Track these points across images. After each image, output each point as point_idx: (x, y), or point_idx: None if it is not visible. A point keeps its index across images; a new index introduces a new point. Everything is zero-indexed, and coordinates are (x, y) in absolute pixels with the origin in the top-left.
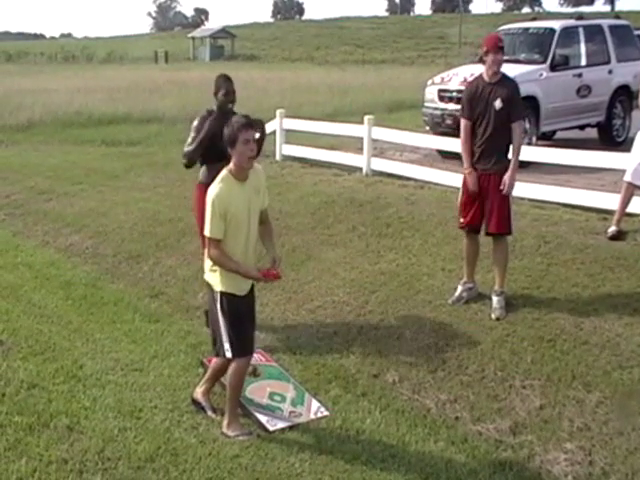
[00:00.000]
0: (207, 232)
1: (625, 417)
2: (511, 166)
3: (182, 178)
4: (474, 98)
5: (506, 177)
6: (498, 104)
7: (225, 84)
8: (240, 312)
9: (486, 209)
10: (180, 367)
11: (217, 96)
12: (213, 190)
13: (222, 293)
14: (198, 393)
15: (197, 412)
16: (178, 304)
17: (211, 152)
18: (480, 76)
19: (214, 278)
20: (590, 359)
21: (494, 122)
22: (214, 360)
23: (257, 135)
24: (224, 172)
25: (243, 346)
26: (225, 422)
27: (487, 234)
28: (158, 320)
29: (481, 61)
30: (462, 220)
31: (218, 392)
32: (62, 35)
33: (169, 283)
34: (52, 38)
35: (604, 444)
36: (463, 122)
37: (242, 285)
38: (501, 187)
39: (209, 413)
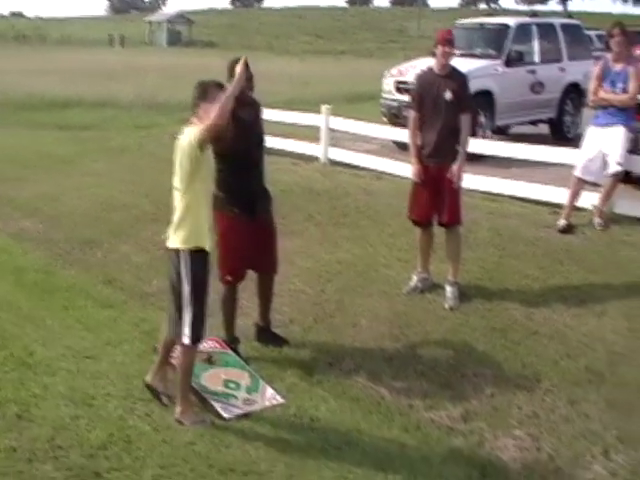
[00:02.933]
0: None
1: (571, 404)
2: (460, 157)
3: (137, 164)
4: (424, 90)
5: (454, 168)
6: (448, 96)
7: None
8: (207, 282)
9: (439, 201)
10: (134, 354)
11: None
12: None
13: (191, 251)
14: (154, 378)
15: (151, 400)
16: (132, 291)
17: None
18: (430, 69)
19: (182, 234)
20: (540, 349)
21: (445, 114)
22: (162, 341)
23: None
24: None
25: (203, 328)
26: (178, 409)
27: (440, 225)
28: (112, 307)
29: (433, 55)
30: (409, 214)
31: (171, 379)
32: (12, 14)
33: (123, 269)
34: (2, 17)
35: (551, 431)
36: (412, 114)
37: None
38: (449, 177)
39: (164, 400)
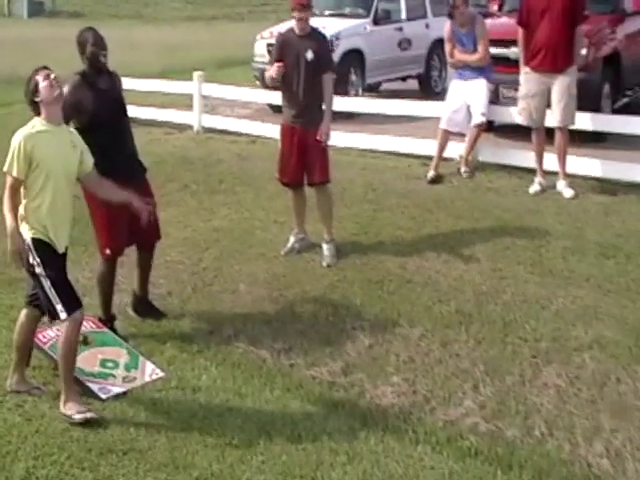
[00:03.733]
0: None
1: (444, 346)
2: (326, 116)
3: None
4: (285, 51)
5: (322, 128)
6: (309, 55)
7: (91, 34)
8: (59, 265)
9: (307, 161)
10: (2, 344)
11: (85, 52)
12: None
13: (34, 240)
14: (13, 384)
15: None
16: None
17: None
18: (291, 30)
19: (23, 225)
20: (413, 296)
21: (306, 75)
22: (17, 331)
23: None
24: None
25: (74, 300)
26: (62, 400)
27: (310, 185)
28: None
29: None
30: (278, 176)
31: (45, 366)
32: None
33: None
34: None
35: (426, 373)
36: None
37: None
38: (318, 137)
39: (35, 392)
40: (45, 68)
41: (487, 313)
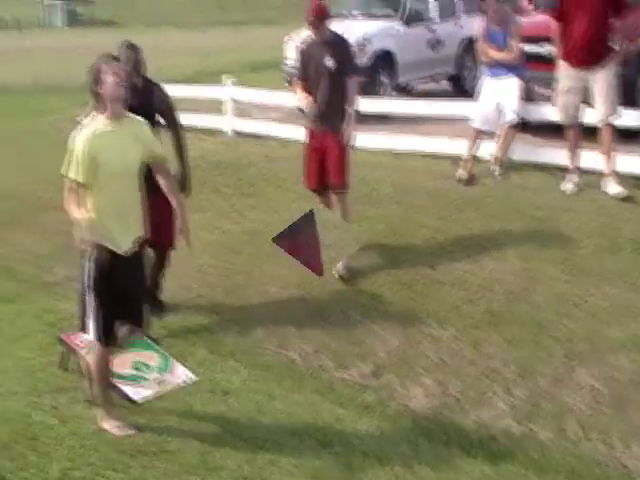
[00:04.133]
0: None
1: (474, 347)
2: (348, 119)
3: (32, 150)
4: (306, 59)
5: (344, 130)
6: (330, 62)
7: (128, 52)
8: (111, 280)
9: (328, 166)
10: (38, 347)
11: None
12: None
13: (94, 245)
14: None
15: (57, 391)
16: (34, 282)
17: None
18: (312, 36)
19: (88, 227)
20: (443, 297)
21: (328, 81)
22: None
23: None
24: None
25: (108, 335)
26: (99, 415)
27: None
28: (13, 301)
29: None
30: (305, 183)
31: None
32: None
33: (24, 261)
34: None
35: (457, 374)
36: (297, 81)
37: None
38: (340, 139)
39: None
40: (114, 59)
41: (518, 313)
